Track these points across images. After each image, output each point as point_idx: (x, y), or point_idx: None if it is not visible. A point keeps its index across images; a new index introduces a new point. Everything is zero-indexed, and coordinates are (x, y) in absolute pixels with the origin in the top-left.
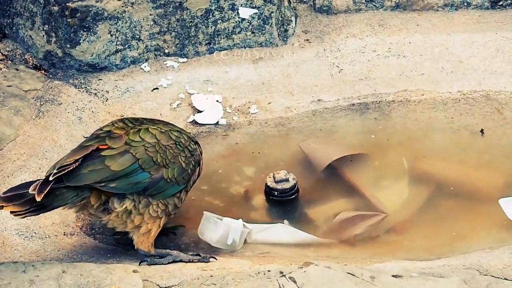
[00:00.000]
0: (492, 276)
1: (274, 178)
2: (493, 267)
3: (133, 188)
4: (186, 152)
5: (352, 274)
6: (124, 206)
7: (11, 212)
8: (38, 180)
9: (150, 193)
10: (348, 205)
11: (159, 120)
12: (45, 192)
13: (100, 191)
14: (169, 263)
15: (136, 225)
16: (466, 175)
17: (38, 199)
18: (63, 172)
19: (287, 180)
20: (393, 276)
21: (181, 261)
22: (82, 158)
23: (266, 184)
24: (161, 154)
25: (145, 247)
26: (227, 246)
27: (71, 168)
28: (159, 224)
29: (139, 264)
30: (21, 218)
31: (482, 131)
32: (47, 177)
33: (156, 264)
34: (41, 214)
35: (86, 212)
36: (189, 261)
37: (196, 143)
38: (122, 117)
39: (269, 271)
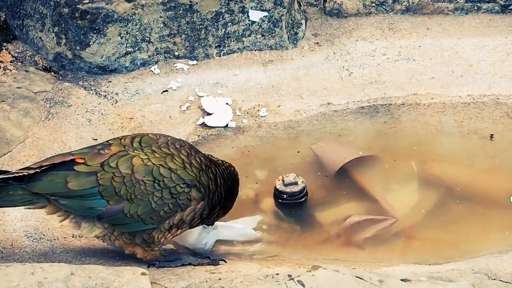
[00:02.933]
0: (500, 280)
1: (283, 181)
2: (502, 271)
3: (86, 211)
4: (165, 193)
5: (361, 278)
6: (94, 234)
7: None
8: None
9: (107, 222)
10: (357, 208)
11: (174, 146)
12: None
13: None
14: (178, 266)
15: (119, 247)
16: (476, 179)
17: None
18: (18, 174)
19: (296, 183)
20: (401, 280)
21: (190, 264)
22: (52, 165)
23: (275, 187)
24: (128, 187)
25: (151, 260)
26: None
27: (31, 172)
28: (142, 248)
29: (148, 267)
30: None
31: (492, 136)
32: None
33: (165, 267)
34: (49, 216)
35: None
36: (199, 264)
37: (199, 187)
38: (140, 134)
39: (277, 274)
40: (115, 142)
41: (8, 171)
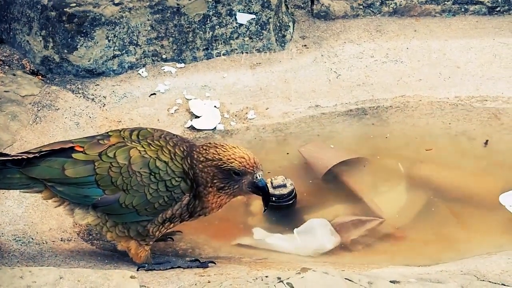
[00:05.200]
0: (489, 281)
1: (271, 183)
2: (491, 272)
3: (81, 199)
4: (160, 185)
5: (350, 280)
6: (86, 221)
7: None
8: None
9: (103, 211)
10: (345, 210)
11: (166, 142)
12: None
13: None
14: (167, 269)
15: (111, 241)
16: (464, 180)
17: None
18: (16, 158)
19: (284, 185)
20: (390, 281)
21: (179, 267)
22: (50, 151)
23: None
24: (124, 178)
25: (140, 261)
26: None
27: (29, 156)
28: (136, 244)
29: (137, 270)
30: None
31: (486, 142)
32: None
33: (154, 270)
34: (38, 220)
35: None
36: (188, 267)
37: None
38: (139, 128)
39: (266, 276)
40: (115, 133)
41: (7, 154)
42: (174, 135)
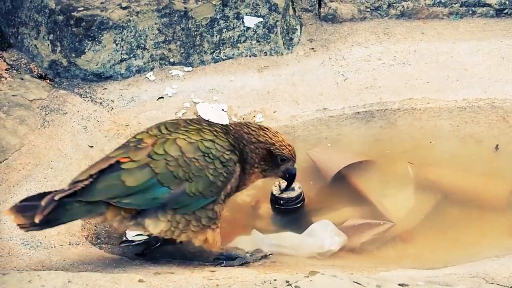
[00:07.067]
0: (498, 284)
1: (279, 186)
2: (500, 275)
3: (150, 203)
4: (217, 163)
5: (358, 283)
6: (160, 229)
7: (17, 224)
8: (54, 192)
9: (171, 207)
10: (354, 213)
11: (199, 123)
12: (45, 213)
13: (119, 206)
14: (239, 265)
15: (187, 241)
16: (472, 183)
17: (37, 220)
18: (73, 190)
19: (292, 189)
20: (399, 285)
21: (246, 262)
22: (99, 171)
23: (271, 193)
24: (184, 168)
25: (216, 248)
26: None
27: (84, 185)
28: (211, 231)
29: (215, 266)
30: (25, 231)
31: (496, 146)
32: (54, 195)
33: (229, 266)
34: None
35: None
36: (254, 261)
37: (233, 152)
38: (159, 123)
39: (275, 280)
40: (144, 135)
41: (60, 190)
42: (194, 118)
